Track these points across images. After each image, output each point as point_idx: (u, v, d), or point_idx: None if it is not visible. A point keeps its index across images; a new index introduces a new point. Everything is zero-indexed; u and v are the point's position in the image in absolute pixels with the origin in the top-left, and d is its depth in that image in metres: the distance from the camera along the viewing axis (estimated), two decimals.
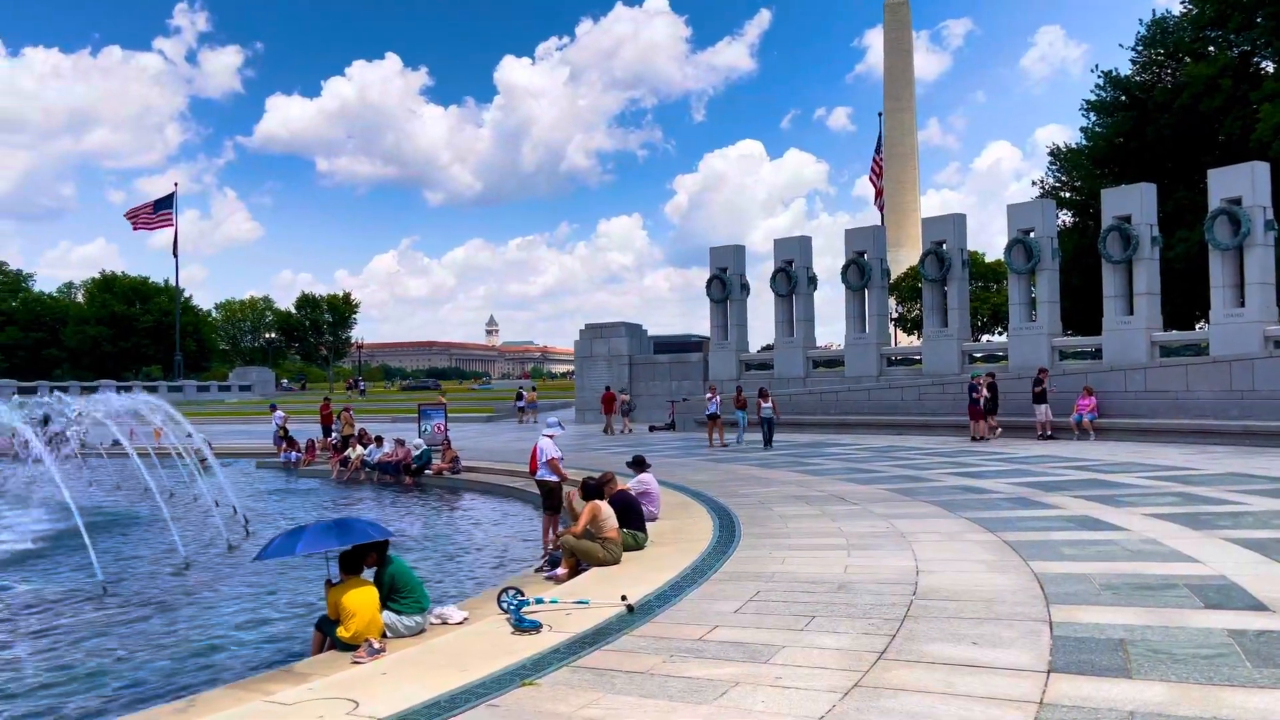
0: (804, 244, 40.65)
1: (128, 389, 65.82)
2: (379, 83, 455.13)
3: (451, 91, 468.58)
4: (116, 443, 27.06)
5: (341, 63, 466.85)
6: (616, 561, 11.18)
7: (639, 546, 12.00)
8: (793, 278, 39.65)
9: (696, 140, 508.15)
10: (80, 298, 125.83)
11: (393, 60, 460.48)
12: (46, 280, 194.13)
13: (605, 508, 11.51)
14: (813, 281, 40.38)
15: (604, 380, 44.74)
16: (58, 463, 15.93)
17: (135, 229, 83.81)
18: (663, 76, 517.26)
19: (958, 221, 36.16)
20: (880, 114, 59.11)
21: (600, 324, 47.60)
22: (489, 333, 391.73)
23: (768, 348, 46.05)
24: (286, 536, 9.60)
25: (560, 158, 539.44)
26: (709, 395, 29.86)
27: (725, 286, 41.91)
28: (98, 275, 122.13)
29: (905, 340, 70.34)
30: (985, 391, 27.61)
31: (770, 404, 28.26)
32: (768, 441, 27.82)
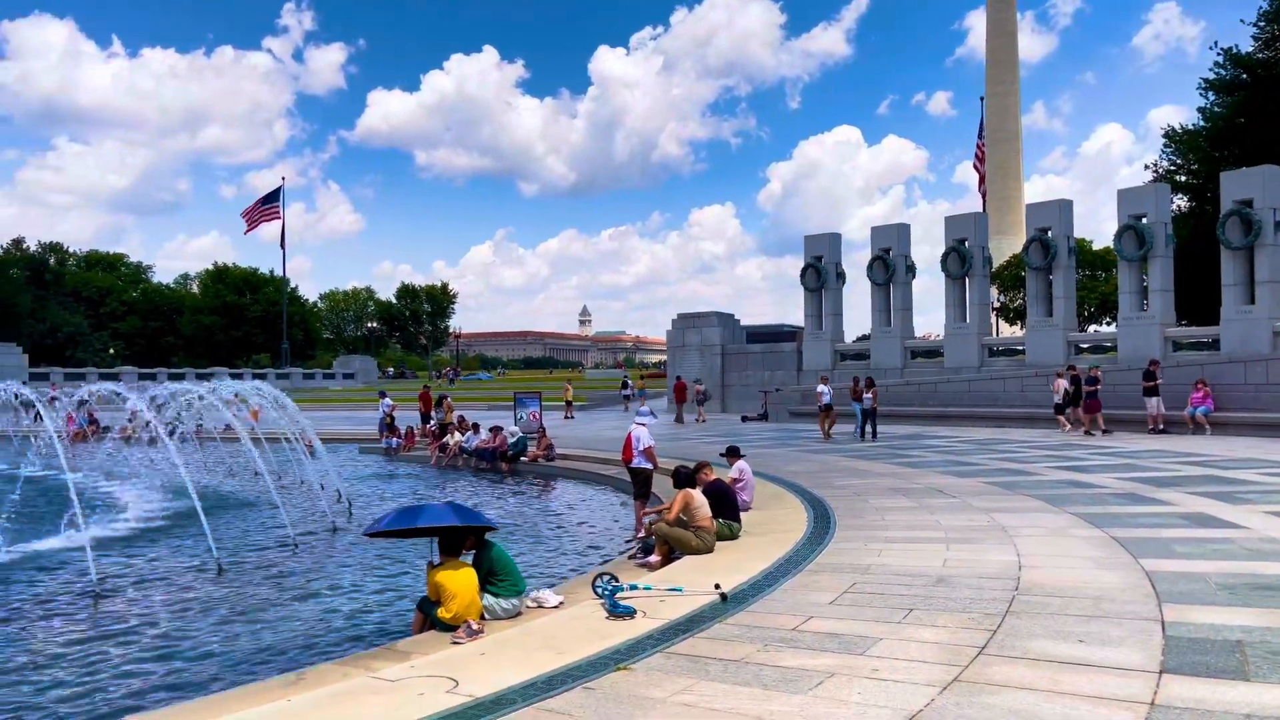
0: (902, 231, 39.84)
1: (239, 376, 68.68)
2: (476, 76, 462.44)
3: (547, 83, 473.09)
4: (228, 428, 28.30)
5: (440, 57, 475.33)
6: (710, 550, 11.18)
7: (733, 536, 11.97)
8: (890, 266, 38.92)
9: (791, 127, 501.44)
10: (195, 288, 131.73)
11: (490, 53, 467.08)
12: (164, 272, 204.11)
13: (698, 496, 11.52)
14: (911, 270, 39.57)
15: (696, 370, 44.70)
16: (176, 446, 16.72)
17: (247, 230, 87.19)
18: (757, 64, 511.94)
19: (1064, 207, 34.94)
20: (982, 98, 57.54)
21: (692, 314, 47.56)
22: (582, 322, 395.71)
23: (863, 338, 45.34)
24: (400, 513, 9.94)
25: (653, 147, 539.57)
26: (821, 386, 29.35)
27: (820, 275, 41.38)
28: (211, 267, 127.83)
29: (1007, 330, 68.26)
30: (1067, 384, 26.86)
31: (871, 395, 27.77)
32: (868, 434, 27.39)
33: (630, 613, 8.19)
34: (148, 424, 21.00)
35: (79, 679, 8.54)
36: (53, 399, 30.16)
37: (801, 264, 42.25)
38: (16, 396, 19.34)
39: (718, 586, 8.75)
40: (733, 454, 15.03)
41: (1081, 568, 9.34)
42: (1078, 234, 38.31)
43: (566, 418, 45.40)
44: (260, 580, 12.52)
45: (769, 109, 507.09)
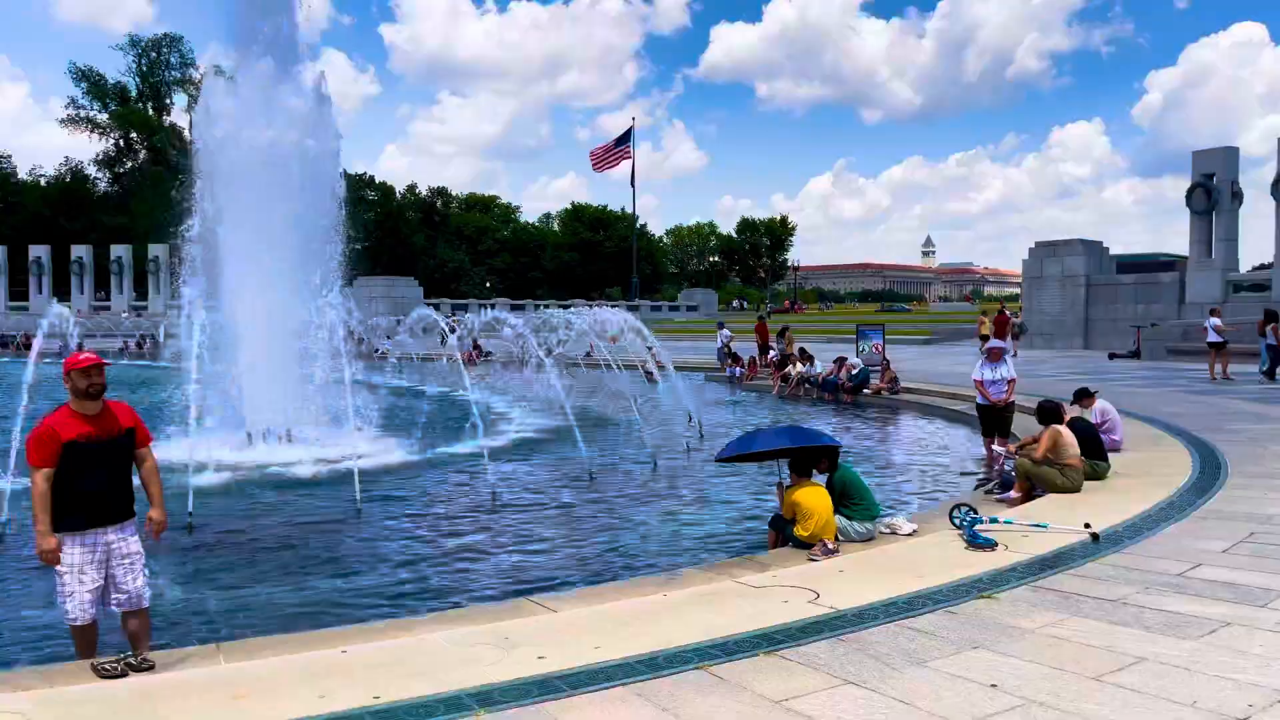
0: None
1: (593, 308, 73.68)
2: (819, 1, 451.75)
3: (892, 3, 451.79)
4: (589, 354, 30.70)
5: None
6: (1076, 490, 10.57)
7: (1099, 476, 11.22)
8: None
9: (1176, 29, 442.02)
10: (556, 226, 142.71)
11: None
12: (529, 212, 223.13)
13: (1067, 433, 10.90)
14: None
15: (1055, 304, 41.48)
16: (550, 370, 18.49)
17: (597, 168, 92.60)
18: None
19: None
20: None
21: (1053, 241, 43.98)
22: (925, 254, 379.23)
23: (1262, 266, 39.59)
24: (743, 438, 10.41)
25: (1008, 63, 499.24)
26: (1211, 319, 26.17)
27: (1211, 196, 36.55)
28: (569, 206, 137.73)
29: None
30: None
31: (1273, 330, 24.34)
32: (1270, 374, 24.10)
33: (991, 544, 8.03)
34: (524, 348, 23.31)
35: (477, 562, 9.91)
36: (452, 329, 34.33)
37: (1187, 184, 37.52)
38: (426, 321, 22.30)
39: (1088, 525, 8.32)
40: (1083, 397, 13.92)
41: None
42: None
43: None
44: (624, 491, 13.64)
45: (1149, 11, 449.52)
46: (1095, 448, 11.51)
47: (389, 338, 38.77)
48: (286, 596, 8.56)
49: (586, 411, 22.33)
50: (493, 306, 76.65)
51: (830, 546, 8.67)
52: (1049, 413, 11.37)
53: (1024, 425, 14.30)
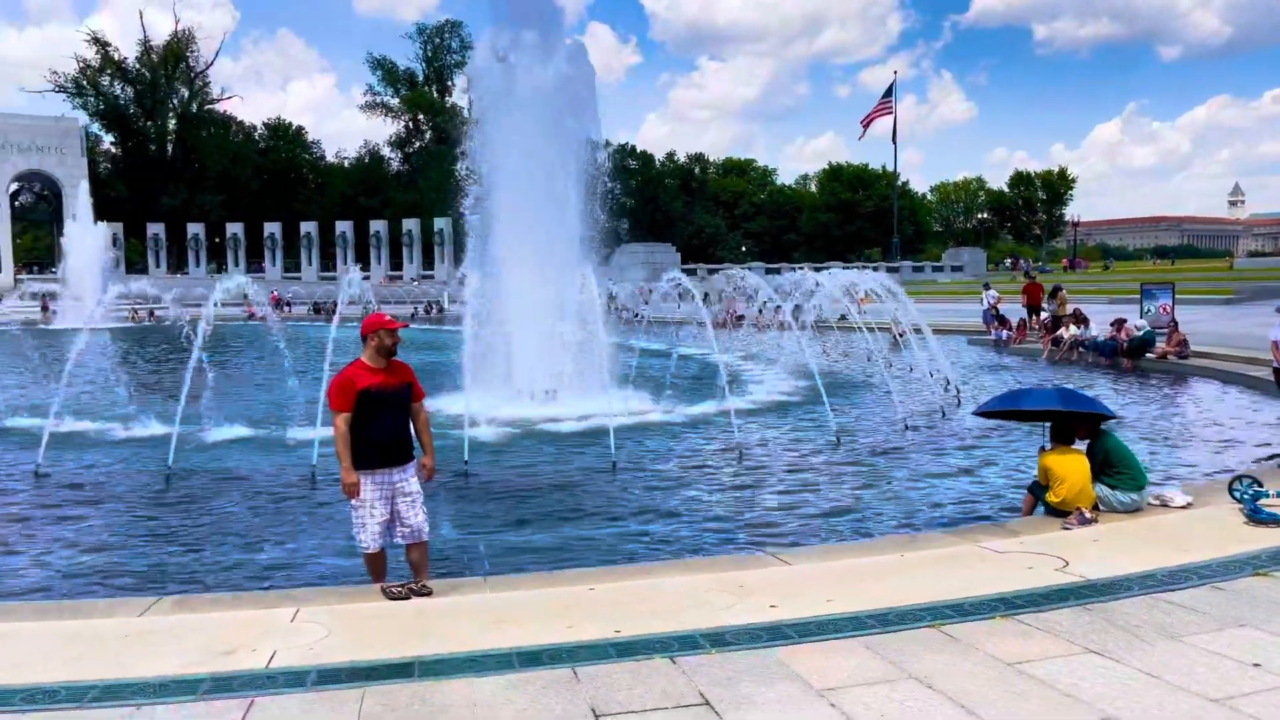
0: None
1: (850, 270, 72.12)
2: None
3: None
4: (842, 317, 30.25)
5: None
6: None
7: None
8: None
9: None
10: (813, 187, 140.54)
11: None
12: (786, 174, 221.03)
13: None
14: None
15: None
16: (802, 332, 18.51)
17: (862, 136, 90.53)
18: None
19: None
20: None
21: None
22: (1232, 204, 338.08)
23: None
24: (1011, 394, 10.10)
25: None
26: None
27: None
28: (826, 166, 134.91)
29: None
30: None
31: None
32: None
33: (1276, 519, 7.32)
34: (778, 309, 23.41)
35: (718, 516, 10.23)
36: (705, 294, 35.03)
37: None
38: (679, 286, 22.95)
39: None
40: None
41: None
42: None
43: None
44: (873, 454, 13.49)
45: None
46: None
47: (645, 302, 40.18)
48: (544, 539, 9.29)
49: (837, 374, 22.14)
50: (747, 270, 77.13)
51: (1087, 516, 8.24)
52: None
53: None
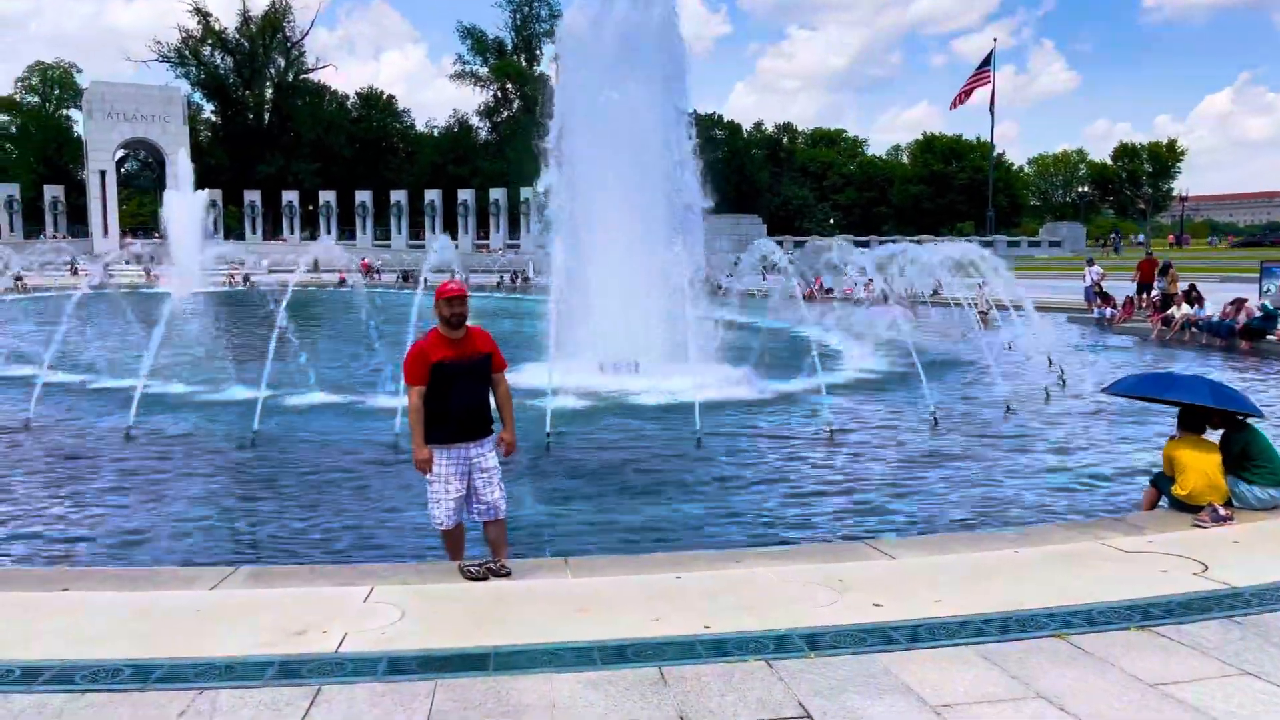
0: None
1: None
2: None
3: None
4: (936, 292, 29.19)
5: None
6: None
7: None
8: None
9: None
10: (905, 159, 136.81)
11: None
12: (877, 145, 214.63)
13: None
14: None
15: None
16: (895, 306, 17.73)
17: (953, 106, 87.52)
18: None
19: None
20: None
21: None
22: None
23: None
24: (1153, 377, 9.39)
25: None
26: None
27: None
28: (919, 137, 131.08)
29: None
30: None
31: None
32: None
33: None
34: (869, 283, 22.61)
35: (809, 498, 9.71)
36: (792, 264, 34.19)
37: None
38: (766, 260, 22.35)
39: None
40: None
41: None
42: None
43: None
44: (972, 436, 12.78)
45: None
46: None
47: (730, 274, 39.44)
48: (628, 518, 8.92)
49: (932, 351, 21.26)
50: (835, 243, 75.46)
51: (1222, 513, 7.50)
52: None
53: None
